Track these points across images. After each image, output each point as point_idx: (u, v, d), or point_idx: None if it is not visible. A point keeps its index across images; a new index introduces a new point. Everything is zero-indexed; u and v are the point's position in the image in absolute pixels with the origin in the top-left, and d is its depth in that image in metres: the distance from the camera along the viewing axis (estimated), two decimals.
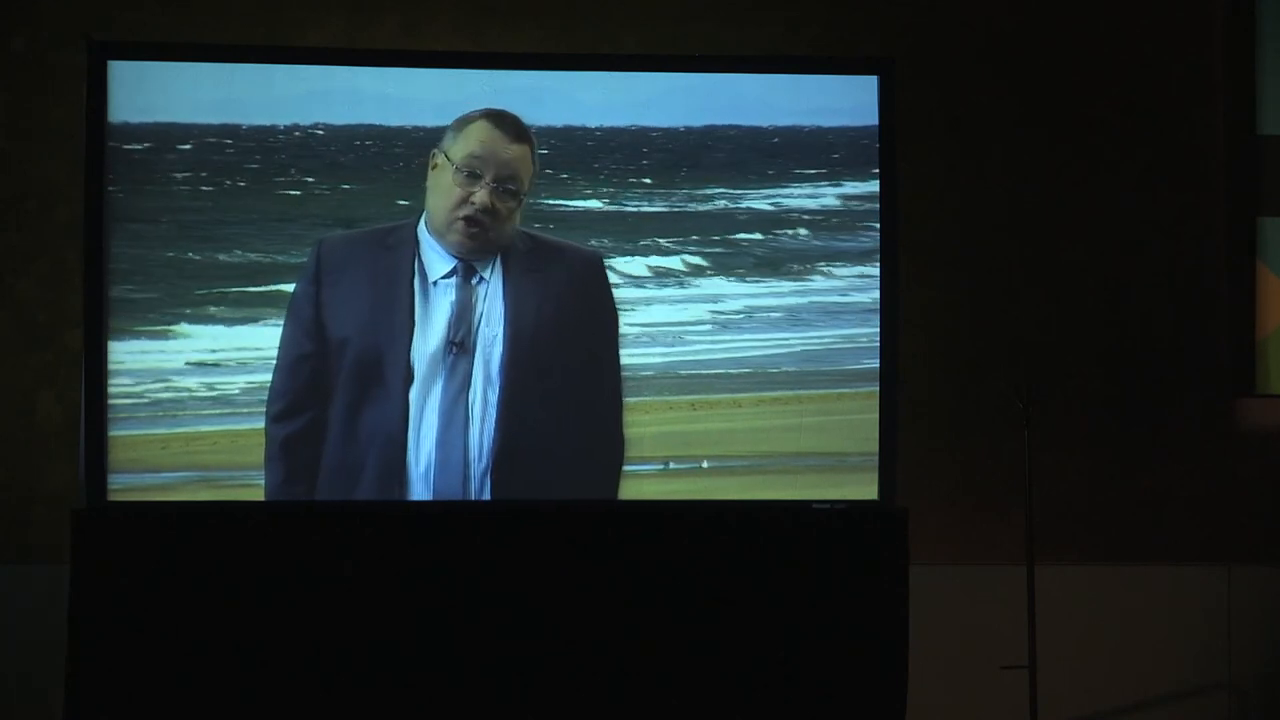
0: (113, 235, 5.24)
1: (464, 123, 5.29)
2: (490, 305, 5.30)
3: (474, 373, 5.28)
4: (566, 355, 5.34)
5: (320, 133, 5.31)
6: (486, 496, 5.29)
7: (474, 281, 5.30)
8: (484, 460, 5.28)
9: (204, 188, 5.28)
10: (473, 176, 5.27)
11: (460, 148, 5.27)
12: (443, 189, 5.27)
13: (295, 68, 5.33)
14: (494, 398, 5.28)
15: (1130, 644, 5.98)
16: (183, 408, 5.27)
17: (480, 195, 5.26)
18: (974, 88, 6.06)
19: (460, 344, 5.28)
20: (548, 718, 5.25)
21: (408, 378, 5.26)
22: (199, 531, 5.20)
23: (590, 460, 5.36)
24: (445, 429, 5.27)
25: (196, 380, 5.27)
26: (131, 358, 5.25)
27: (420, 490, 5.26)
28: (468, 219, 5.26)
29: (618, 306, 5.37)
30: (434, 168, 5.28)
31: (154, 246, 5.27)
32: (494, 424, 5.27)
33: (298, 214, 5.31)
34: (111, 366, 5.24)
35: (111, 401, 5.23)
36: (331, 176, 5.31)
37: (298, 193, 5.31)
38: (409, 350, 5.26)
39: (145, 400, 5.25)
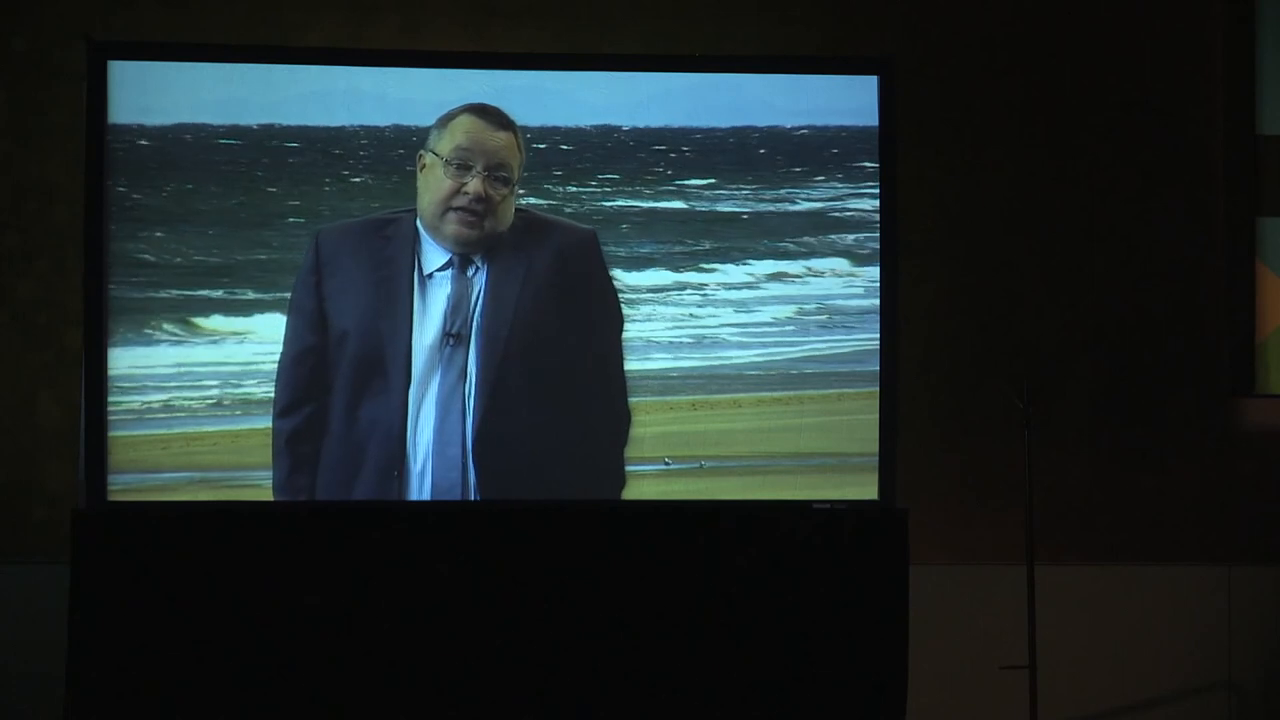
0: (113, 235, 5.24)
1: (448, 119, 5.30)
2: (483, 292, 5.30)
3: (469, 363, 5.29)
4: (559, 335, 5.33)
5: (321, 133, 5.30)
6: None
7: (469, 273, 5.30)
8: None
9: (203, 188, 5.28)
10: (463, 168, 5.27)
11: (447, 142, 5.28)
12: (433, 184, 5.28)
13: (295, 68, 5.33)
14: (486, 384, 5.28)
15: (1130, 644, 5.98)
16: (183, 408, 5.27)
17: (473, 184, 5.26)
18: (974, 88, 6.05)
19: (457, 335, 5.29)
20: (548, 716, 5.25)
21: (407, 370, 5.26)
22: (199, 532, 5.20)
23: (590, 441, 5.36)
24: (443, 420, 5.27)
25: (197, 380, 5.27)
26: (131, 358, 5.25)
27: (418, 481, 5.26)
28: (462, 209, 5.26)
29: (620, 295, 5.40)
30: (422, 169, 5.28)
31: (154, 246, 5.27)
32: (479, 410, 5.27)
33: (298, 214, 5.31)
34: (111, 367, 5.24)
35: (111, 402, 5.23)
36: (332, 177, 5.31)
37: (298, 192, 5.31)
38: (409, 343, 5.26)
39: (145, 400, 5.25)
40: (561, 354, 5.34)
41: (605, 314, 5.37)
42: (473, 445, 5.28)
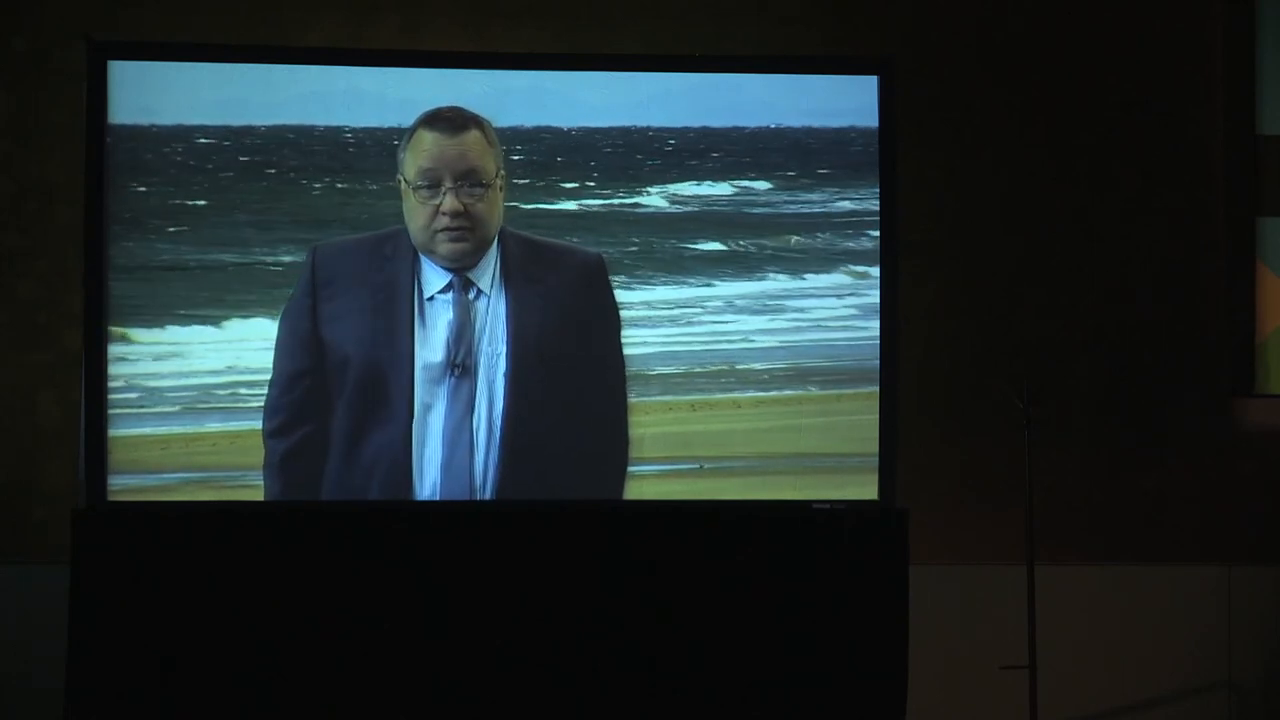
0: (113, 235, 5.24)
1: (408, 139, 5.24)
2: (493, 322, 5.26)
3: (477, 395, 5.25)
4: (571, 364, 5.31)
5: (321, 133, 5.30)
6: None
7: (471, 296, 5.26)
8: (489, 487, 5.24)
9: (203, 188, 5.28)
10: (433, 188, 5.23)
11: (411, 166, 5.23)
12: (412, 211, 5.23)
13: (295, 68, 5.33)
14: (498, 420, 5.25)
15: (1130, 644, 5.98)
16: (183, 408, 5.26)
17: (447, 202, 5.21)
18: (974, 88, 6.06)
19: (462, 365, 5.24)
20: (547, 714, 5.25)
21: (410, 401, 5.22)
22: (199, 532, 5.20)
23: (596, 466, 5.35)
24: (450, 455, 5.24)
25: (196, 381, 5.27)
26: (131, 358, 5.25)
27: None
28: (445, 230, 5.22)
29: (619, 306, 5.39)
30: (403, 193, 5.26)
31: (154, 247, 5.27)
32: (498, 448, 5.24)
33: (298, 215, 5.30)
34: (111, 367, 5.23)
35: (111, 402, 5.23)
36: (332, 177, 5.31)
37: (298, 193, 5.31)
38: (411, 371, 5.23)
39: (145, 401, 5.25)
40: (574, 378, 5.31)
41: (611, 337, 5.34)
42: (482, 481, 5.24)
